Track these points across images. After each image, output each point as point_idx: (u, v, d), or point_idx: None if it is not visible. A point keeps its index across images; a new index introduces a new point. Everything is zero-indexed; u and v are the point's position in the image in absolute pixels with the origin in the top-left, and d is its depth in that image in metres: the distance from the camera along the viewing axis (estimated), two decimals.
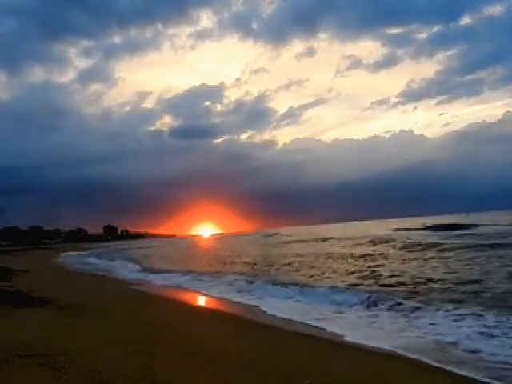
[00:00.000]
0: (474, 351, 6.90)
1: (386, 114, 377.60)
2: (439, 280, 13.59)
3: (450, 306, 9.81)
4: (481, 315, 8.85)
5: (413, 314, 9.62)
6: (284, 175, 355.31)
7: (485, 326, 8.10)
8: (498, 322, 8.29)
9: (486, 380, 5.69)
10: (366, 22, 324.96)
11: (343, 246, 33.69)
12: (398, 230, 54.14)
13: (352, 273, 17.45)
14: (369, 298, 11.45)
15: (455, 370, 6.12)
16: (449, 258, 19.87)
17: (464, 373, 5.97)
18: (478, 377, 5.80)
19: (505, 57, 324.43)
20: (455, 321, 8.74)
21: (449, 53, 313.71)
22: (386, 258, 21.93)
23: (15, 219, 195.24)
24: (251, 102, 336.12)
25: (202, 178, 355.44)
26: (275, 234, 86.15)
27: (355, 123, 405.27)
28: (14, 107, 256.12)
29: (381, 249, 27.99)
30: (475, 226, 44.34)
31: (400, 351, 7.13)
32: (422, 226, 53.96)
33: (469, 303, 10.02)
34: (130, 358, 5.99)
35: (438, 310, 9.73)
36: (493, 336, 7.55)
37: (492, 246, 22.33)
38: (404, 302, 10.76)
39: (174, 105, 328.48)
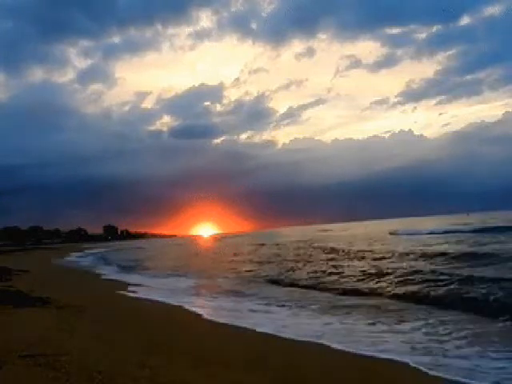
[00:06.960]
0: None
1: (386, 113, 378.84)
2: None
3: None
4: None
5: None
6: (284, 175, 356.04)
7: None
8: None
9: None
10: (366, 22, 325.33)
11: None
12: None
13: None
14: None
15: None
16: None
17: None
18: None
19: (504, 57, 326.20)
20: None
21: (448, 53, 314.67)
22: None
23: (15, 219, 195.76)
24: (251, 102, 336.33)
25: (202, 178, 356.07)
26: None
27: (355, 123, 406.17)
28: (13, 107, 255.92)
29: None
30: None
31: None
32: None
33: None
34: (130, 358, 5.99)
35: None
36: None
37: None
38: None
39: (174, 105, 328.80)
